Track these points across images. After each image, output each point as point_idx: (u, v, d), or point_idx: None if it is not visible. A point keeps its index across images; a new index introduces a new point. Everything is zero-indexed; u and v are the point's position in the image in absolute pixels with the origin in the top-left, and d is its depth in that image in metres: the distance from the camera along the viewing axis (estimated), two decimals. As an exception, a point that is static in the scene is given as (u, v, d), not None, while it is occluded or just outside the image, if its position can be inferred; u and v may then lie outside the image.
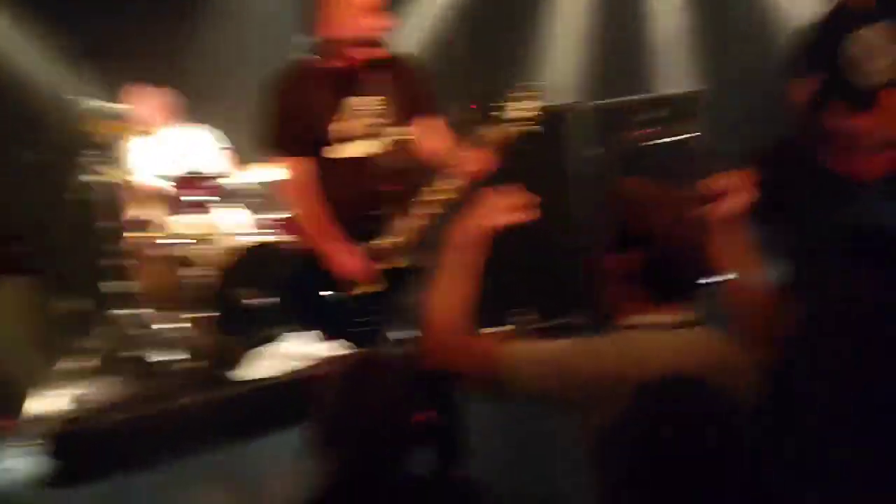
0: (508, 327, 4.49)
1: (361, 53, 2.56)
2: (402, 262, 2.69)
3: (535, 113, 2.61)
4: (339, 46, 2.58)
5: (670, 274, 1.72)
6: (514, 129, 2.62)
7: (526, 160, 4.60)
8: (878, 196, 3.53)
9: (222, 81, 5.01)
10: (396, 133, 2.62)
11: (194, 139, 4.79)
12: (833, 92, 3.61)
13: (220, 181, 4.43)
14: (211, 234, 4.34)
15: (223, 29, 5.07)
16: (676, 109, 5.32)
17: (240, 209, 4.60)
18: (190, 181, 4.34)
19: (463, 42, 5.82)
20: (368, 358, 1.92)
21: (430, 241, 2.54)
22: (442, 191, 2.61)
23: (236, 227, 4.51)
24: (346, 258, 2.64)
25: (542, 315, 4.61)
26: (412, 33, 5.59)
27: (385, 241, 2.68)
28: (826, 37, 3.65)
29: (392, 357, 2.01)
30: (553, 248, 4.70)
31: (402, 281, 2.71)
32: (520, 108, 2.59)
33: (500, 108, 2.61)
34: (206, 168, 4.45)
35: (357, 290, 2.68)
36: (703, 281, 1.81)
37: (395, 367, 1.72)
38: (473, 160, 2.60)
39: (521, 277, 4.58)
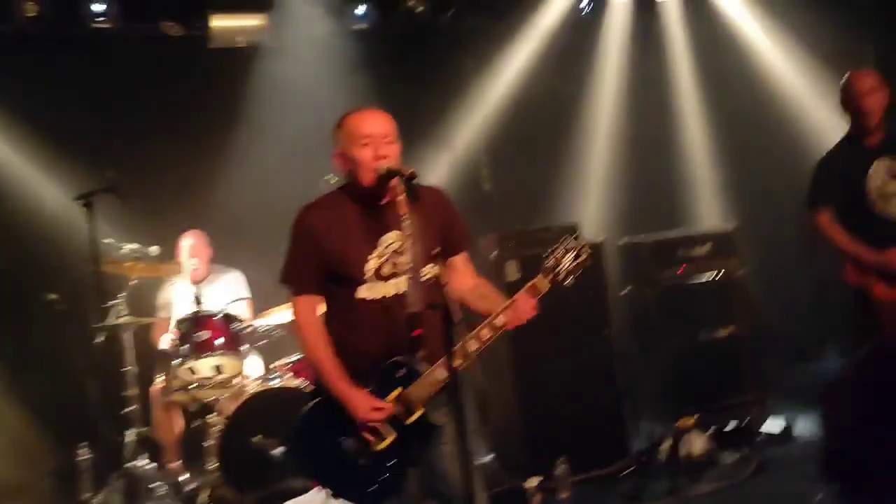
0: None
1: (388, 189, 2.48)
2: (429, 416, 2.46)
3: (586, 264, 2.50)
4: (362, 178, 2.50)
5: None
6: (564, 280, 2.51)
7: (568, 296, 4.55)
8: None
9: (250, 225, 5.04)
10: (426, 271, 2.48)
11: (224, 282, 4.76)
12: (856, 223, 3.65)
13: (243, 325, 4.33)
14: (234, 377, 4.20)
15: (255, 173, 5.15)
16: (715, 246, 5.20)
17: (257, 354, 4.52)
18: (217, 324, 4.25)
19: (497, 178, 5.89)
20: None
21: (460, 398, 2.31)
22: (476, 339, 2.44)
23: (256, 370, 4.38)
24: (363, 403, 2.43)
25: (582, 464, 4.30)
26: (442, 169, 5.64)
27: (411, 391, 2.47)
28: (843, 168, 3.73)
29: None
30: (595, 395, 4.46)
31: (426, 435, 2.47)
32: (570, 259, 2.49)
33: (552, 259, 2.52)
34: (232, 311, 4.37)
35: (371, 446, 2.44)
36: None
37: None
38: (527, 306, 2.46)
39: (564, 425, 4.35)
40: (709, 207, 5.99)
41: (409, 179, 2.37)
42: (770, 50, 5.88)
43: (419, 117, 5.52)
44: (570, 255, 2.49)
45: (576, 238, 2.57)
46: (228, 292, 4.69)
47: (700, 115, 6.06)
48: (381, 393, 2.47)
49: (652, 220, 5.56)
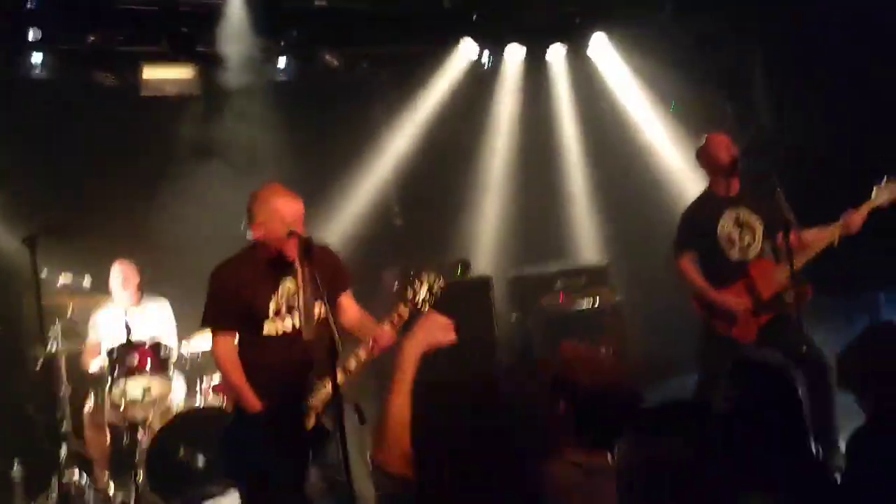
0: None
1: (290, 248, 3.11)
2: (324, 421, 3.10)
3: (437, 295, 3.12)
4: (271, 243, 3.13)
5: (597, 423, 2.03)
6: (422, 308, 3.11)
7: (459, 323, 5.22)
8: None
9: (176, 258, 5.47)
10: (318, 310, 3.12)
11: (151, 310, 5.21)
12: (710, 266, 4.28)
13: (169, 350, 4.82)
14: (159, 398, 4.69)
15: (181, 209, 5.61)
16: (591, 278, 5.97)
17: (182, 376, 4.99)
18: (145, 350, 4.72)
19: (407, 216, 6.53)
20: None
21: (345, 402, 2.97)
22: (357, 359, 3.08)
23: (181, 391, 4.89)
24: (281, 416, 3.06)
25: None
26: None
27: (310, 403, 3.10)
28: (700, 218, 4.33)
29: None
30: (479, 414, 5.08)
31: (323, 437, 3.11)
32: (424, 291, 3.11)
33: (408, 291, 3.13)
34: (160, 337, 4.86)
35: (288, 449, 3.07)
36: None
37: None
38: (385, 335, 3.09)
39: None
40: (587, 242, 6.75)
41: (307, 242, 3.00)
42: (641, 107, 6.70)
43: (332, 162, 6.16)
44: (425, 287, 3.11)
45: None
46: (155, 319, 5.12)
47: (581, 161, 6.82)
48: (284, 406, 3.10)
49: (538, 254, 6.28)
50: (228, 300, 3.14)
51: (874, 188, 4.11)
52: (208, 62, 5.74)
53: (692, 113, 6.23)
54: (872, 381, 2.50)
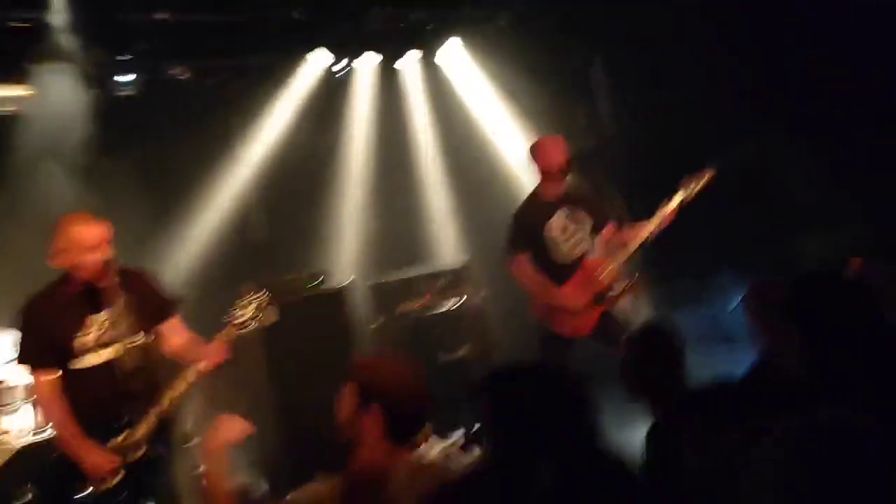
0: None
1: (96, 278, 3.04)
2: (148, 453, 3.06)
3: (264, 312, 3.14)
4: (76, 274, 3.06)
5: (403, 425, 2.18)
6: (248, 327, 3.13)
7: (320, 334, 5.24)
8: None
9: (13, 285, 5.24)
10: (135, 339, 3.07)
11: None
12: (543, 264, 4.44)
13: (7, 384, 4.62)
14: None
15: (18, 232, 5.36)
16: (452, 280, 6.09)
17: (29, 409, 4.78)
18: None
19: (266, 227, 6.48)
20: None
21: (173, 431, 2.94)
22: (182, 383, 3.05)
23: (28, 424, 4.67)
24: (94, 458, 2.99)
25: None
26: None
27: (131, 436, 3.05)
28: (532, 218, 4.47)
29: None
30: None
31: (151, 466, 3.06)
32: (250, 311, 3.12)
33: (238, 311, 3.13)
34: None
35: (105, 486, 3.00)
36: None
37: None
38: (214, 352, 3.08)
39: (324, 446, 4.97)
40: (448, 245, 6.89)
41: (121, 272, 2.94)
42: (494, 111, 6.89)
43: (185, 176, 6.03)
44: (253, 306, 3.13)
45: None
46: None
47: (436, 165, 6.95)
48: (109, 440, 3.04)
49: (398, 260, 6.36)
50: (40, 337, 3.05)
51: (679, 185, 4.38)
52: (41, 80, 5.52)
53: (544, 116, 6.45)
54: (646, 389, 2.67)
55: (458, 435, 5.44)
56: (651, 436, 2.65)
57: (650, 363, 2.67)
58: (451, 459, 5.24)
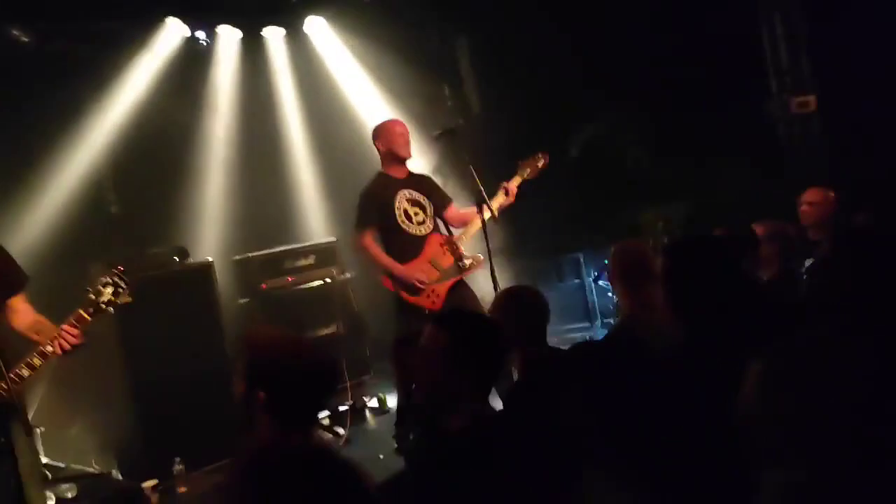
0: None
1: None
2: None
3: (122, 293, 2.95)
4: None
5: (292, 404, 2.05)
6: (104, 310, 2.93)
7: (182, 311, 5.04)
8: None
9: None
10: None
11: None
12: (392, 242, 4.56)
13: None
14: None
15: None
16: (319, 257, 6.04)
17: None
18: None
19: (123, 201, 6.13)
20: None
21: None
22: (26, 368, 2.85)
23: None
24: None
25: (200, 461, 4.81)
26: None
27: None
28: (379, 197, 4.60)
29: None
30: (210, 395, 4.95)
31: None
32: (110, 291, 2.93)
33: (93, 293, 2.93)
34: None
35: None
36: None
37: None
38: (68, 336, 2.88)
39: (182, 428, 4.79)
40: (314, 223, 6.81)
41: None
42: (358, 88, 6.85)
43: (30, 147, 5.61)
44: (110, 288, 2.95)
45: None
46: None
47: (303, 139, 6.86)
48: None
49: (265, 237, 6.22)
50: None
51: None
52: None
53: (411, 94, 6.48)
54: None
55: (323, 415, 5.45)
56: (514, 395, 2.76)
57: (519, 319, 2.77)
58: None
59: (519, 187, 4.60)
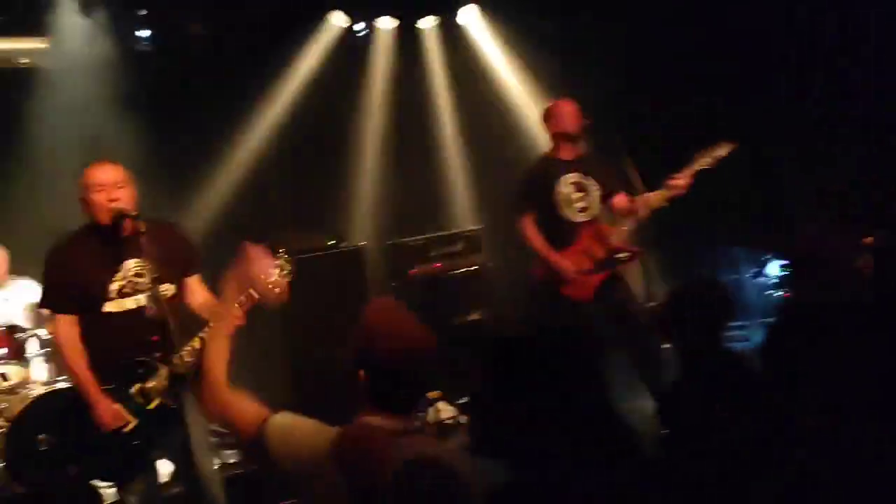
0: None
1: (116, 226, 3.05)
2: (161, 406, 3.08)
3: (288, 277, 3.03)
4: (96, 219, 3.06)
5: (393, 389, 2.03)
6: (273, 291, 3.04)
7: (332, 295, 5.25)
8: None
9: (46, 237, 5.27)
10: (162, 290, 3.08)
11: (16, 288, 5.01)
12: (549, 227, 4.44)
13: (26, 334, 4.66)
14: (20, 384, 4.54)
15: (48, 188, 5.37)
16: (466, 244, 6.08)
17: (44, 360, 4.82)
18: (6, 333, 4.56)
19: (282, 188, 6.46)
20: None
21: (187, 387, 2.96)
22: (199, 341, 3.05)
23: (42, 375, 4.73)
24: (104, 407, 3.03)
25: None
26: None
27: (150, 384, 3.07)
28: (540, 180, 4.49)
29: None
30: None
31: (164, 419, 3.09)
32: (277, 274, 3.02)
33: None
34: (14, 320, 4.69)
35: (122, 431, 3.04)
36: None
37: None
38: (233, 318, 3.04)
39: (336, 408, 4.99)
40: (462, 211, 6.85)
41: (136, 217, 2.95)
42: (513, 78, 6.82)
43: (200, 135, 6.00)
44: (277, 271, 3.08)
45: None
46: (20, 298, 4.97)
47: (455, 129, 6.89)
48: (125, 387, 3.06)
49: (415, 224, 6.33)
50: (62, 282, 3.07)
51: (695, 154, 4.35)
52: (61, 32, 5.50)
53: (559, 82, 6.36)
54: (682, 329, 2.69)
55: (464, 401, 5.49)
56: (672, 396, 2.66)
57: (699, 316, 2.65)
58: (448, 427, 5.30)
59: (692, 179, 4.29)
